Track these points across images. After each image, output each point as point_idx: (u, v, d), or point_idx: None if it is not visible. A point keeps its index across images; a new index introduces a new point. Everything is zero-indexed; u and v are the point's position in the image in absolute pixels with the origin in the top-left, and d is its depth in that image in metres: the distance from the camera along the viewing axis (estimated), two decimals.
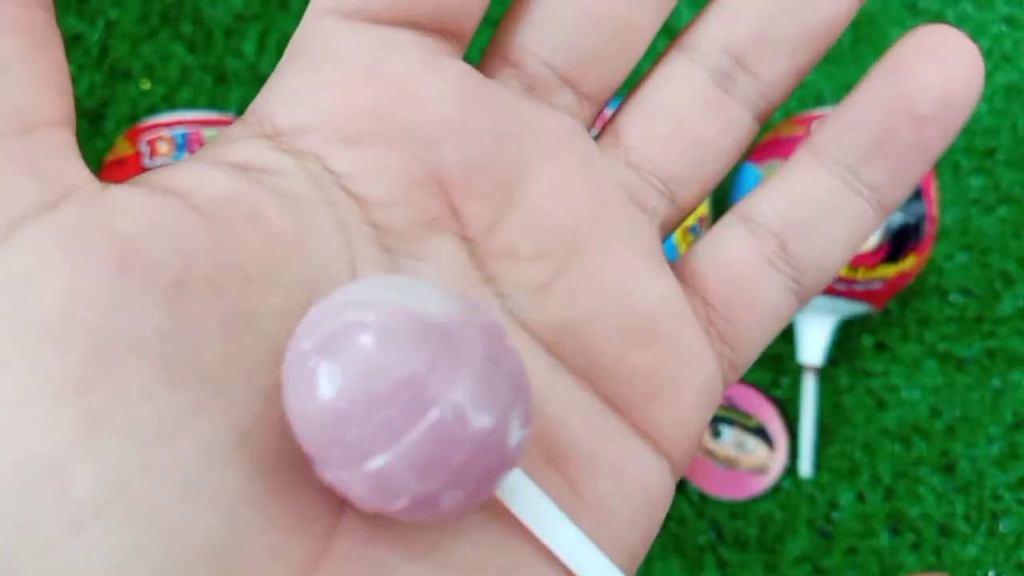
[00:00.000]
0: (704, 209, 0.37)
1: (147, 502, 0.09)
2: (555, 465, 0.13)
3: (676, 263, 0.15)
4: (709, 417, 0.14)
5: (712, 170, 0.14)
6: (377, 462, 0.10)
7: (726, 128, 0.14)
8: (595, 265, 0.13)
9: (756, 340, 0.14)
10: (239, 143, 0.12)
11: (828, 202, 0.14)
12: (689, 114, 0.14)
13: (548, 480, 0.12)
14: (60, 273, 0.10)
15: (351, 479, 0.10)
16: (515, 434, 0.10)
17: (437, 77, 0.12)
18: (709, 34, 0.14)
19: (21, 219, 0.10)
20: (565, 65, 0.13)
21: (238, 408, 0.10)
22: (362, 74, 0.12)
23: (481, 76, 0.13)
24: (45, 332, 0.09)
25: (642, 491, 0.13)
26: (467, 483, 0.10)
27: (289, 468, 0.11)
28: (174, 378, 0.10)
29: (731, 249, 0.14)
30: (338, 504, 0.11)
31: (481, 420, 0.10)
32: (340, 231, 0.12)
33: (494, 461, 0.10)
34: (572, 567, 0.12)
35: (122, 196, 0.11)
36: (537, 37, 0.13)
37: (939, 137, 0.13)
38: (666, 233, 0.15)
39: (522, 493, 0.11)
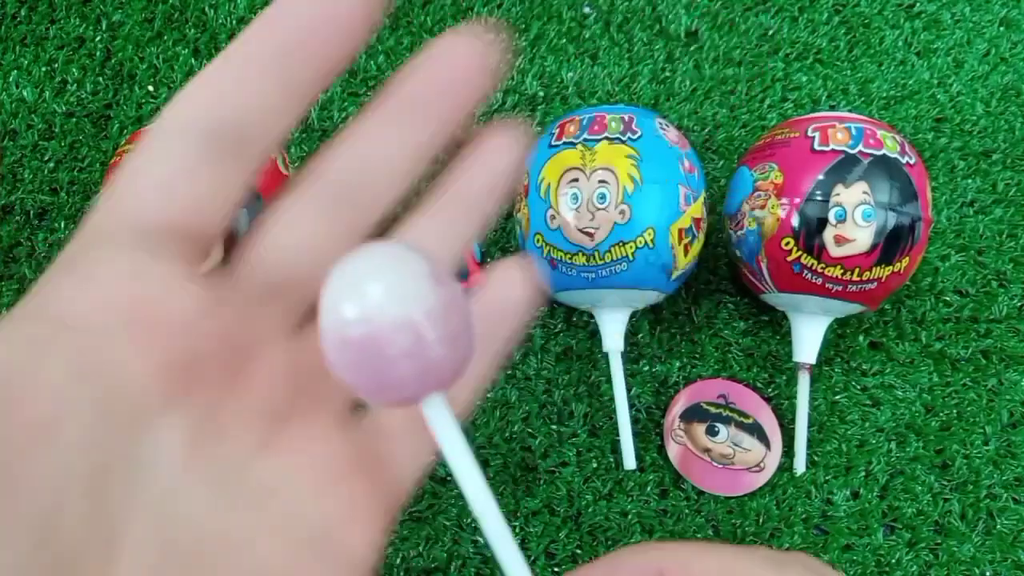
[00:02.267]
0: (700, 211, 0.38)
1: None
2: None
3: None
4: None
5: None
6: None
7: None
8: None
9: None
10: (17, 323, 0.14)
11: None
12: None
13: None
14: None
15: None
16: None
17: (180, 287, 0.15)
18: None
19: None
20: (283, 281, 0.16)
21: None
22: (120, 281, 0.15)
23: (216, 284, 0.16)
24: None
25: None
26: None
27: None
28: None
29: None
30: None
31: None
32: (96, 412, 0.14)
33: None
34: (465, 490, 0.15)
35: None
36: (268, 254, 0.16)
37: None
38: None
39: (442, 415, 0.15)
